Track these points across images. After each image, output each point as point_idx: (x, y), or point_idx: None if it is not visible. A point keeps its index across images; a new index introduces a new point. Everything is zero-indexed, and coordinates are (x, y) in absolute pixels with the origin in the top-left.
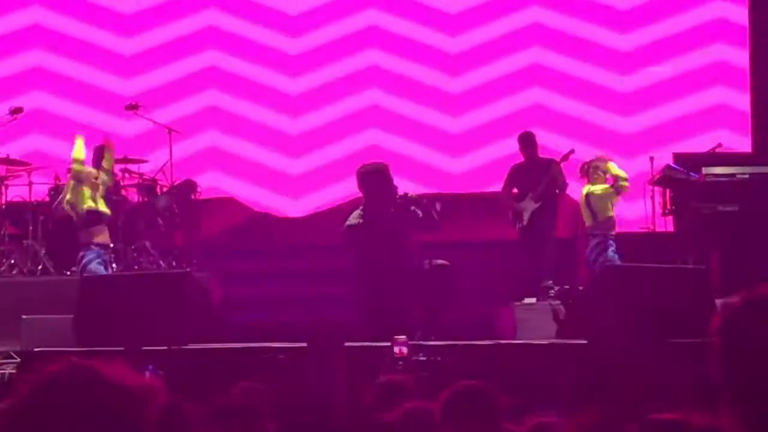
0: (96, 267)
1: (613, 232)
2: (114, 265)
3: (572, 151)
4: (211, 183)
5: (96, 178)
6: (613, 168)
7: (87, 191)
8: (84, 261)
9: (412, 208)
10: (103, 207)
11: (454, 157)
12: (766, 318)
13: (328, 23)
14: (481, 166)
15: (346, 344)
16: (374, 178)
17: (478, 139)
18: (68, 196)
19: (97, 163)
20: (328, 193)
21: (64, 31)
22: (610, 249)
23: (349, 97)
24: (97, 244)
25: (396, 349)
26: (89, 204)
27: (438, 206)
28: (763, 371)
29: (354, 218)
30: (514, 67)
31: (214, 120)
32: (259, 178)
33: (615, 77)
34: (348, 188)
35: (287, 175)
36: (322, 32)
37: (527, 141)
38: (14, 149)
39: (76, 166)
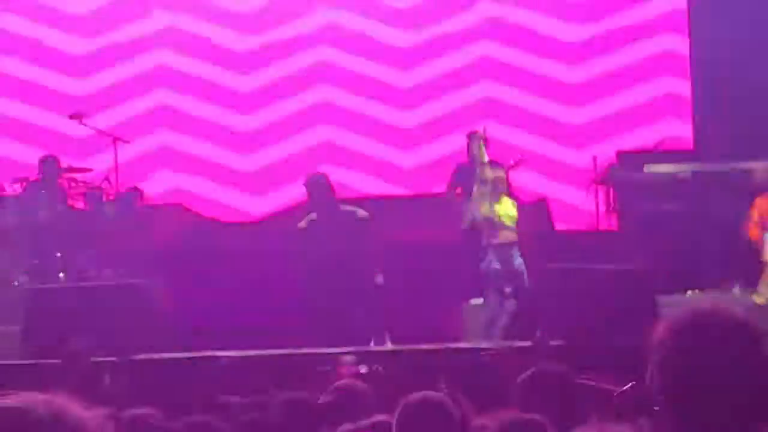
0: None
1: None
2: (62, 275)
3: (522, 159)
4: (162, 184)
5: None
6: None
7: None
8: None
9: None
10: None
11: (405, 151)
12: (708, 339)
13: (282, 23)
14: (431, 161)
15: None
16: (316, 187)
17: (429, 134)
18: None
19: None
20: (283, 191)
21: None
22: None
23: (300, 94)
24: None
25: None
26: None
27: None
28: (699, 386)
29: (304, 222)
30: (464, 60)
31: (164, 119)
32: (212, 176)
33: (563, 68)
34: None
35: (240, 172)
36: (275, 30)
37: (476, 140)
38: None
39: None
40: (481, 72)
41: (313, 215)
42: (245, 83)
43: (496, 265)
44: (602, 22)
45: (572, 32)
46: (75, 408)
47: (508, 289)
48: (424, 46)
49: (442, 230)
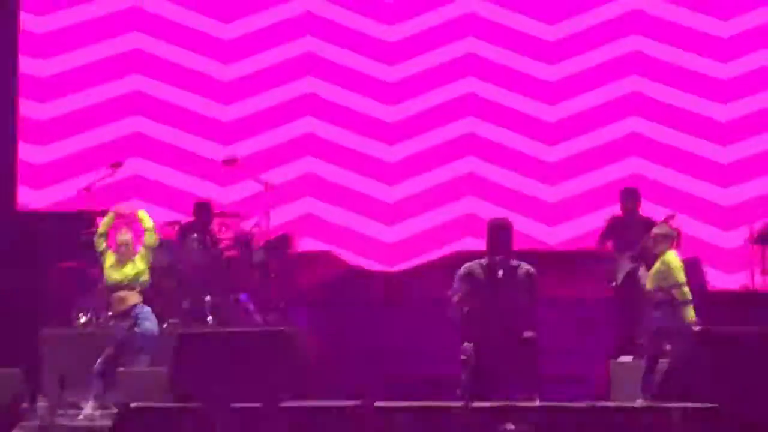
0: None
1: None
2: (210, 319)
3: (672, 216)
4: (304, 210)
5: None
6: None
7: None
8: None
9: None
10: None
11: (550, 185)
12: None
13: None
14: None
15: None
16: (500, 232)
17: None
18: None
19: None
20: (423, 218)
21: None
22: None
23: (449, 124)
24: None
25: None
26: None
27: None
28: None
29: (470, 268)
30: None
31: (309, 147)
32: (355, 203)
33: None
34: (444, 213)
35: (382, 201)
36: (419, 61)
37: (630, 196)
38: None
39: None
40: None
41: (483, 261)
42: (391, 114)
43: (654, 322)
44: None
45: (722, 69)
46: None
47: (666, 347)
48: (570, 79)
49: (592, 285)
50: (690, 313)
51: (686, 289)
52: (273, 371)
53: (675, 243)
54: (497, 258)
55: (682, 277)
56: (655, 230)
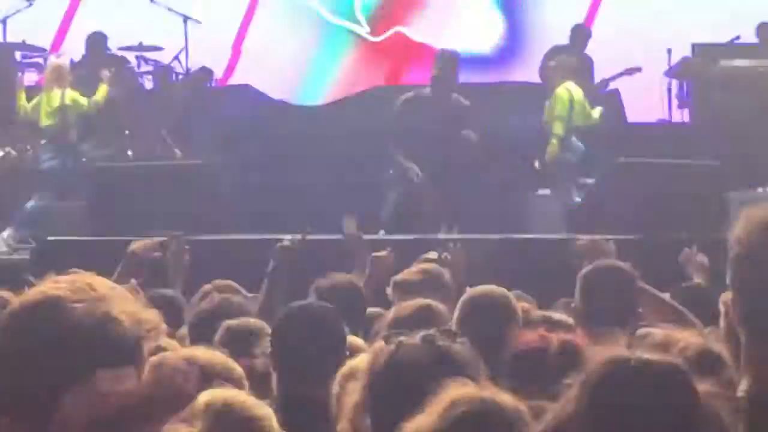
0: None
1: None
2: (130, 153)
3: (639, 69)
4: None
5: None
6: None
7: None
8: None
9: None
10: None
11: None
12: None
13: None
14: None
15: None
16: (446, 62)
17: None
18: None
19: None
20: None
21: None
22: None
23: None
24: None
25: None
26: None
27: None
28: None
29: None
30: None
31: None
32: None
33: None
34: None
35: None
36: None
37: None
38: None
39: None
40: None
41: (427, 90)
42: None
43: (572, 158)
44: None
45: None
46: (101, 283)
47: (582, 181)
48: None
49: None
50: (552, 149)
51: (559, 123)
52: (191, 205)
53: (572, 74)
54: (442, 91)
55: (560, 110)
56: (551, 63)
